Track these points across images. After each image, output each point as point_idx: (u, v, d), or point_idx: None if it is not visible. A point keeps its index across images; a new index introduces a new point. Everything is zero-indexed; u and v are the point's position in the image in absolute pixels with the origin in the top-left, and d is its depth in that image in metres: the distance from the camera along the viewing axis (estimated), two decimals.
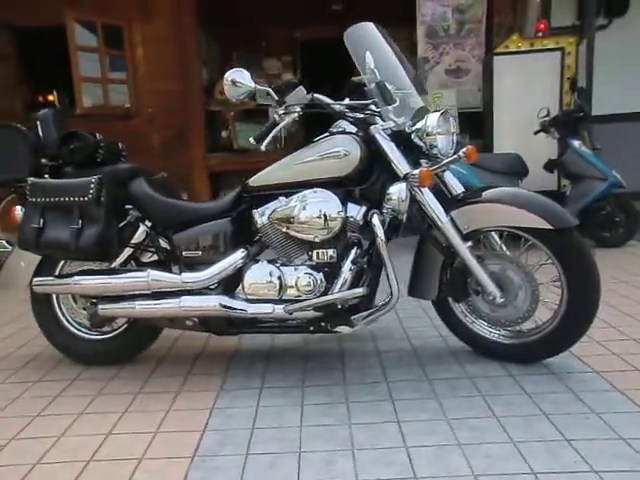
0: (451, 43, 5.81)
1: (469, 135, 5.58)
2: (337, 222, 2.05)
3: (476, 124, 5.52)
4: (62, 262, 2.36)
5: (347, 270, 2.07)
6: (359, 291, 2.03)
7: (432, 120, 2.06)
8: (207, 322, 2.20)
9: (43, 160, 2.31)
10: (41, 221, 2.14)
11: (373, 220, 2.03)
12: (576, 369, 2.10)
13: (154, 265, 2.23)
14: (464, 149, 2.25)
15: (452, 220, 2.08)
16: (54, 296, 2.39)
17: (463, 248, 2.06)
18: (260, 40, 6.98)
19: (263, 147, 2.11)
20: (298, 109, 2.11)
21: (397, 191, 2.03)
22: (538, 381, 2.01)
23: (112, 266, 2.24)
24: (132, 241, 2.24)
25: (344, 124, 2.19)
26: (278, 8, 6.60)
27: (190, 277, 2.13)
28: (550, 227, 1.95)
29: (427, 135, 2.06)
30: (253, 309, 2.10)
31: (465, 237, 2.09)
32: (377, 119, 2.10)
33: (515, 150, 4.58)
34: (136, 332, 2.32)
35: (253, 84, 2.06)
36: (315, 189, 2.10)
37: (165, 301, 2.14)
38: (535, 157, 4.57)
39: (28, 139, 2.33)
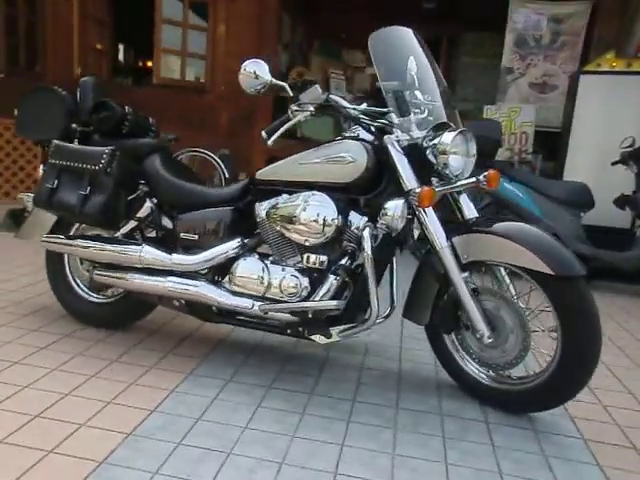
0: (541, 55, 5.47)
1: (542, 156, 5.26)
2: (330, 229, 1.99)
3: (553, 145, 5.19)
4: (77, 224, 2.47)
5: (331, 280, 2.01)
6: (332, 303, 1.97)
7: (447, 138, 1.94)
8: (192, 306, 2.22)
9: (74, 125, 2.42)
10: (55, 182, 2.24)
11: (364, 233, 1.95)
12: (562, 431, 1.92)
13: (157, 242, 2.27)
14: (485, 173, 2.13)
15: (452, 246, 1.96)
16: (66, 254, 2.51)
17: (458, 278, 1.94)
18: (342, 31, 6.92)
19: (270, 142, 2.08)
20: (311, 108, 2.07)
21: (393, 207, 1.94)
22: (512, 434, 1.86)
23: (116, 235, 2.32)
24: (137, 215, 2.30)
25: (359, 130, 2.11)
26: (367, 1, 6.52)
27: (180, 259, 2.16)
28: (550, 272, 1.79)
29: (440, 153, 1.95)
30: (233, 301, 2.09)
31: (464, 267, 1.96)
32: (394, 129, 2.02)
33: (587, 179, 4.25)
34: (130, 302, 2.39)
35: (269, 77, 2.03)
36: (314, 192, 2.05)
37: (153, 278, 2.19)
38: (608, 190, 4.23)
39: (64, 103, 2.45)
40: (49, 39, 5.66)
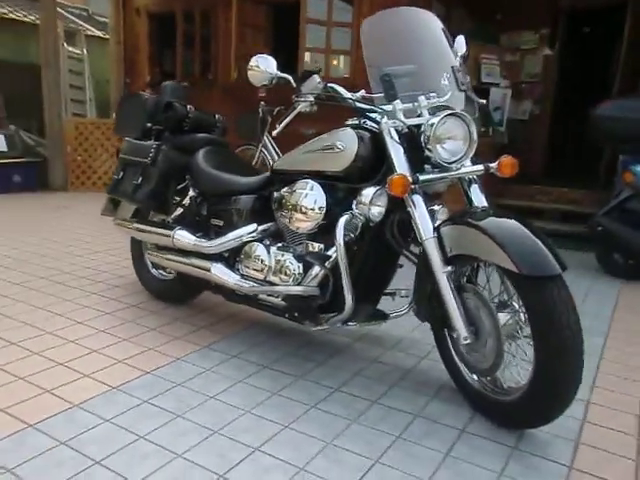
0: None
1: None
2: (316, 216, 2.03)
3: None
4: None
5: (317, 267, 2.03)
6: (297, 289, 2.00)
7: (433, 121, 1.82)
8: (219, 286, 2.42)
9: (149, 124, 2.80)
10: (121, 174, 2.66)
11: (339, 221, 1.93)
12: (550, 454, 1.67)
13: (194, 227, 2.52)
14: (499, 160, 1.95)
15: (440, 238, 1.83)
16: None
17: (439, 271, 1.80)
18: (502, 12, 6.41)
19: (274, 133, 2.17)
20: (311, 98, 2.10)
21: (366, 195, 1.88)
22: (480, 447, 1.69)
23: (167, 220, 2.65)
24: (182, 202, 2.59)
25: (361, 118, 2.08)
26: None
27: (201, 242, 2.38)
28: (514, 270, 1.57)
29: (427, 138, 1.84)
30: (234, 282, 2.24)
31: (449, 260, 1.81)
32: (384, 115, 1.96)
33: None
34: (183, 280, 2.69)
35: (275, 71, 2.12)
36: (307, 180, 2.09)
37: (183, 259, 2.45)
38: None
39: (146, 105, 2.85)
40: (219, 48, 6.42)
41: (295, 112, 2.15)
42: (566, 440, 1.75)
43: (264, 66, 2.13)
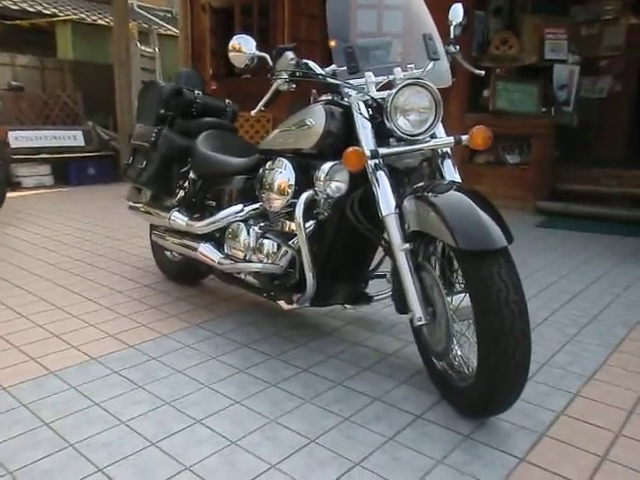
0: None
1: None
2: (286, 195, 2.00)
3: None
4: None
5: (283, 246, 2.01)
6: (257, 266, 1.98)
7: (391, 93, 1.74)
8: (210, 267, 2.47)
9: (162, 111, 2.89)
10: (131, 159, 2.77)
11: (299, 198, 1.90)
12: (505, 445, 1.54)
13: (193, 208, 2.59)
14: (471, 131, 1.83)
15: (401, 214, 1.74)
16: None
17: (398, 248, 1.72)
18: None
19: (253, 113, 2.17)
20: (285, 75, 2.08)
21: (322, 170, 1.83)
22: (428, 434, 1.60)
23: (172, 203, 2.73)
24: (184, 185, 2.66)
25: (334, 93, 2.03)
26: None
27: (191, 223, 2.43)
28: (453, 244, 1.46)
29: (384, 110, 1.76)
30: (217, 260, 2.27)
31: (409, 237, 1.72)
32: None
33: None
34: (189, 262, 2.77)
35: (253, 50, 2.11)
36: (280, 159, 2.08)
37: (177, 239, 2.53)
38: None
39: (161, 94, 2.95)
40: (276, 39, 6.51)
41: (272, 90, 2.13)
42: (530, 432, 1.61)
43: (245, 46, 2.12)
